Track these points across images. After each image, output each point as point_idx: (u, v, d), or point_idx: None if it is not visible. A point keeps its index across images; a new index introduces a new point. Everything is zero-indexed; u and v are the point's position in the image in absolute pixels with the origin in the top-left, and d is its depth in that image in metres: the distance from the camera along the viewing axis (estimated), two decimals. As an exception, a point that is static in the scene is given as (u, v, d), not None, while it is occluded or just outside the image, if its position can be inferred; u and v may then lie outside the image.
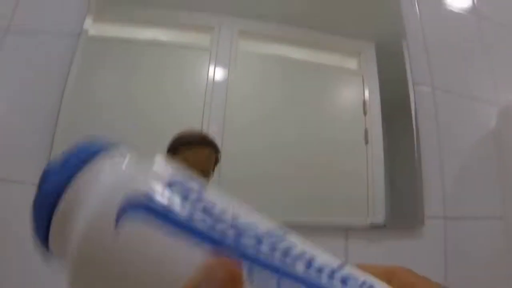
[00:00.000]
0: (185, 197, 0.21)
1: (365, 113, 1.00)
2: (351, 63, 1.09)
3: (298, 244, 0.22)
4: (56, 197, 0.21)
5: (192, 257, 0.20)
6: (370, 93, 1.02)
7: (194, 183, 0.22)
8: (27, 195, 0.69)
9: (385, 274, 0.30)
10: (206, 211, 0.21)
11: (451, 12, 1.21)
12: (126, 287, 0.21)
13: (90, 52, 0.91)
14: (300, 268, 0.21)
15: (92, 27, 0.93)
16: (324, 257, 0.22)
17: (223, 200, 0.22)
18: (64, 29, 0.92)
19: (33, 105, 0.85)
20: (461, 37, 1.18)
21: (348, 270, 0.22)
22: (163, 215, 0.20)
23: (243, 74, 0.99)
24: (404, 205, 0.97)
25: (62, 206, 0.21)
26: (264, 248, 0.21)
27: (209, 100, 0.94)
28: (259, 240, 0.21)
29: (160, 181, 0.21)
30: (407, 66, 1.05)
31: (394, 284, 0.28)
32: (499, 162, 1.05)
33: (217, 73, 0.97)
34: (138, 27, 0.99)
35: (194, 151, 0.81)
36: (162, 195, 0.21)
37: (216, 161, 0.82)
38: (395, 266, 0.32)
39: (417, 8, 1.17)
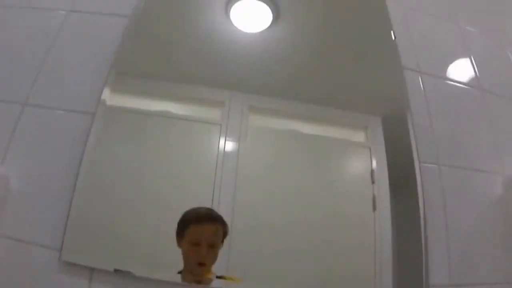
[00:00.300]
0: None
1: (373, 181, 1.02)
2: (359, 137, 1.12)
3: None
4: None
5: None
6: (377, 164, 1.04)
7: None
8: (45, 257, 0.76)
9: None
10: None
11: (455, 86, 1.26)
12: None
13: (107, 122, 0.97)
14: None
15: (109, 98, 0.99)
16: None
17: None
18: (81, 103, 0.99)
19: (51, 174, 0.91)
20: (466, 111, 1.22)
21: None
22: None
23: (254, 147, 1.02)
24: (410, 275, 0.96)
25: None
26: None
27: (220, 173, 0.96)
28: None
29: None
30: (412, 143, 1.07)
31: None
32: (505, 230, 1.05)
33: (228, 147, 1.00)
34: (152, 99, 1.05)
35: (202, 227, 0.88)
36: None
37: (225, 234, 0.87)
38: None
39: (421, 84, 1.21)
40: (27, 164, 0.92)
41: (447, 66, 1.30)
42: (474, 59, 1.34)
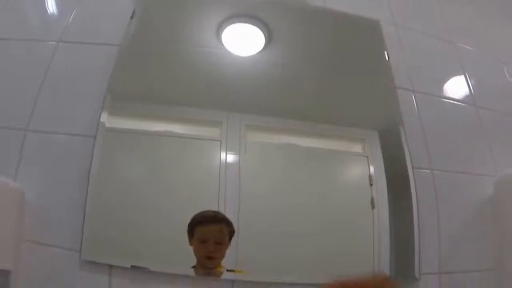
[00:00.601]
0: None
1: (371, 184, 1.07)
2: (357, 148, 1.16)
3: None
4: None
5: None
6: (375, 170, 1.09)
7: None
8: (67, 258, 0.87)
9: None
10: None
11: (449, 103, 1.31)
12: None
13: (107, 144, 1.01)
14: None
15: (107, 121, 1.03)
16: None
17: None
18: (80, 127, 1.05)
19: (63, 186, 0.98)
20: (459, 125, 1.27)
21: None
22: None
23: (254, 160, 1.06)
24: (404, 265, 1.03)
25: None
26: None
27: (224, 184, 1.01)
28: None
29: None
30: (406, 152, 1.13)
31: None
32: (494, 226, 1.11)
33: (229, 159, 1.04)
34: (150, 121, 1.09)
35: (209, 227, 0.96)
36: None
37: (231, 233, 0.95)
38: (380, 280, 0.34)
39: (414, 102, 1.26)
40: (39, 180, 0.98)
41: (441, 84, 1.35)
42: (468, 76, 1.38)
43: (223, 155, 1.04)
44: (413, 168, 1.11)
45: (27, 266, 0.89)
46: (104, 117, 1.03)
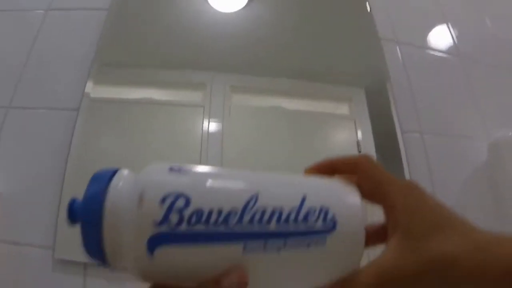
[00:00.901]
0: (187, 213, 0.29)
1: (359, 151, 1.04)
2: (343, 109, 1.13)
3: (266, 199, 0.30)
4: (100, 204, 0.29)
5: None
6: (363, 135, 1.06)
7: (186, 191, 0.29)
8: (38, 256, 0.73)
9: (348, 166, 0.36)
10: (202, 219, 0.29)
11: (434, 55, 1.28)
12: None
13: (91, 115, 0.98)
14: (273, 225, 0.29)
15: (92, 91, 1.00)
16: (289, 199, 0.31)
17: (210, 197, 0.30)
18: (64, 100, 1.00)
19: (39, 174, 0.92)
20: (446, 78, 1.24)
21: (307, 204, 0.31)
22: (182, 236, 0.28)
23: (237, 127, 1.04)
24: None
25: (107, 215, 0.29)
26: (246, 220, 0.29)
27: (205, 153, 0.98)
28: (245, 219, 0.29)
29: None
30: (394, 113, 1.10)
31: (359, 177, 0.35)
32: (491, 195, 1.07)
33: (212, 127, 1.01)
34: (134, 87, 1.05)
35: None
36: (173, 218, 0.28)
37: None
38: (357, 157, 0.37)
39: (399, 54, 1.23)
40: (14, 167, 0.93)
41: (425, 35, 1.32)
42: (451, 26, 1.35)
43: (205, 123, 1.01)
44: (402, 132, 1.08)
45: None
46: (89, 87, 1.00)
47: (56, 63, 1.05)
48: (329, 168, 0.37)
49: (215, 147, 0.98)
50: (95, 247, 0.29)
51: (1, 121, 0.96)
